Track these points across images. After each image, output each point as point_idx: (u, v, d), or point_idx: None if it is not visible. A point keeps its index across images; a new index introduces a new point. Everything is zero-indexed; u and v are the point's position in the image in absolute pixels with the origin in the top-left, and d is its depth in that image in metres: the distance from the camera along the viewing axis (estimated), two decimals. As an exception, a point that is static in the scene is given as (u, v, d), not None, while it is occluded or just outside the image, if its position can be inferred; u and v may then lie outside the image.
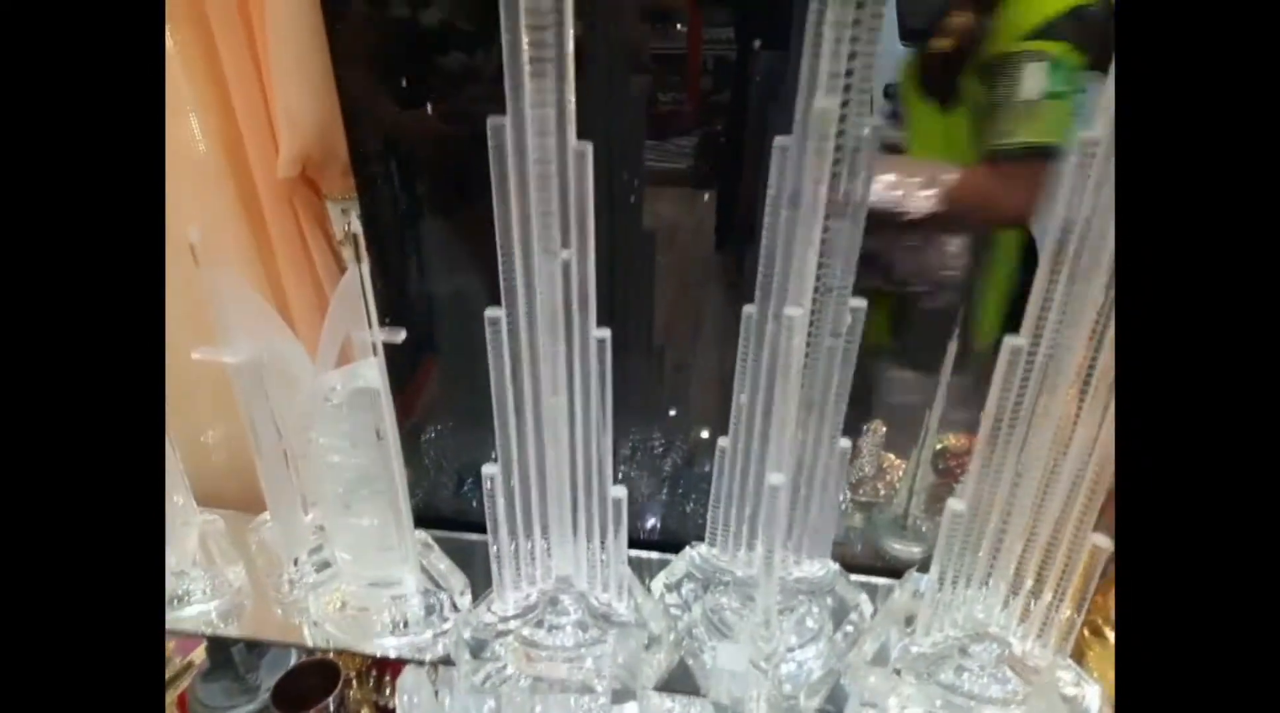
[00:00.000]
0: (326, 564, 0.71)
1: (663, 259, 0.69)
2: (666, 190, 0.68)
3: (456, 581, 0.66)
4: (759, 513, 0.56)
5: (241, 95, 0.67)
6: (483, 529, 0.74)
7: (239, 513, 0.74)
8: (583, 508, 0.56)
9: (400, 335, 0.59)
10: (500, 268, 0.50)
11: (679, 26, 0.65)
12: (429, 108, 0.64)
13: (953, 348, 0.69)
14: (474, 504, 0.77)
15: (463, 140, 0.66)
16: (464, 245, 0.69)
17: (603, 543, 0.57)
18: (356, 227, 0.56)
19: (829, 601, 0.63)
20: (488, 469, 0.55)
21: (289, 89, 0.63)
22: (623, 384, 0.52)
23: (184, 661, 0.87)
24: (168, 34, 0.64)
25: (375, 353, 0.59)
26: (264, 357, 0.61)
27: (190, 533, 0.70)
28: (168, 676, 0.87)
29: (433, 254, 0.71)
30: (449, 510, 0.81)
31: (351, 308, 0.58)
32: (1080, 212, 0.40)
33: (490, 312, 0.50)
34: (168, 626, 0.68)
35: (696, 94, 0.68)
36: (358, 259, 0.56)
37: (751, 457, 0.55)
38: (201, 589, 0.69)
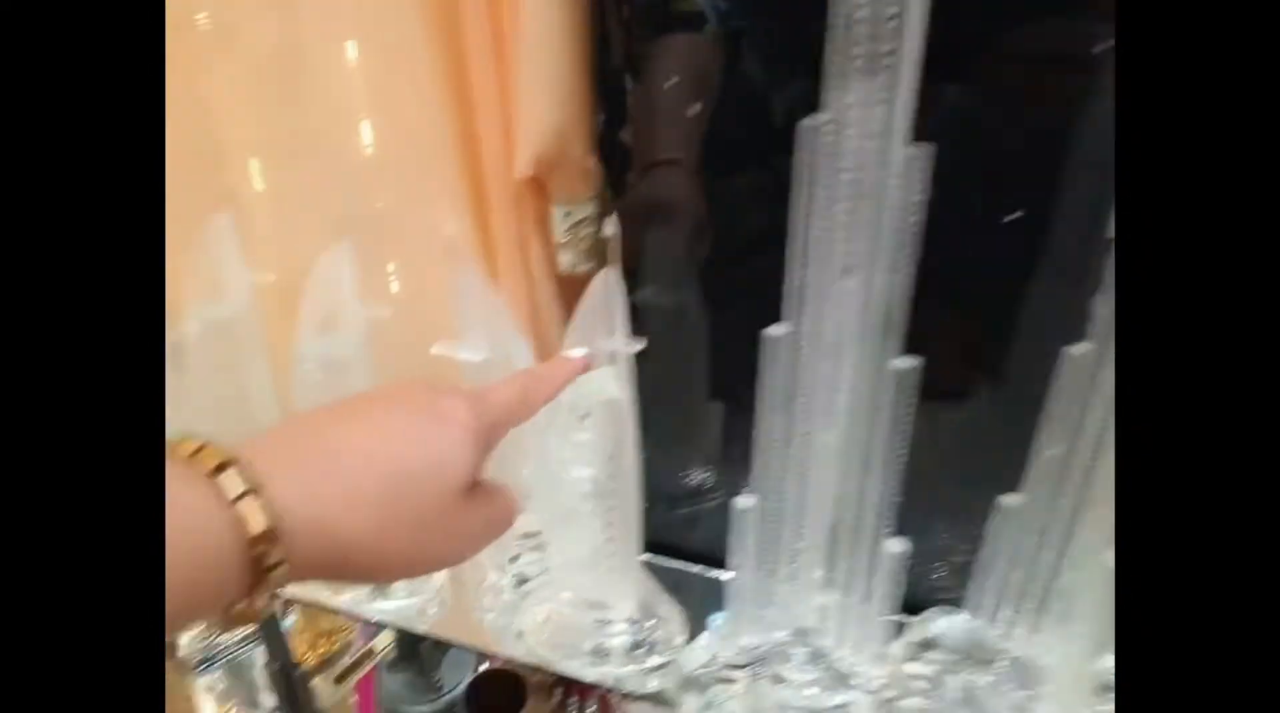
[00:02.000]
0: (525, 579, 0.69)
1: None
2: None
3: (674, 615, 0.61)
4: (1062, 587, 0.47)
5: (481, 89, 0.65)
6: (690, 558, 0.70)
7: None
8: (845, 556, 0.50)
9: (640, 345, 0.54)
10: (787, 283, 0.45)
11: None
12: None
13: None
14: (688, 532, 0.72)
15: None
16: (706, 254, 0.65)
17: (865, 598, 0.50)
18: (609, 229, 0.52)
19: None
20: (743, 501, 0.50)
21: (536, 93, 0.60)
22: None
23: (364, 647, 0.88)
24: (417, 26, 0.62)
25: (617, 362, 0.55)
26: (496, 358, 0.59)
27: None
28: (349, 661, 0.87)
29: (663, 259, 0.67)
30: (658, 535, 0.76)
31: (598, 315, 0.54)
32: None
33: (773, 330, 0.45)
34: (369, 615, 0.67)
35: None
36: (611, 263, 0.52)
37: (1058, 518, 0.47)
38: (402, 584, 0.68)
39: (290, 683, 0.62)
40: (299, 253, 0.66)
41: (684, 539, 0.71)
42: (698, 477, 0.75)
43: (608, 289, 0.52)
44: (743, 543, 0.51)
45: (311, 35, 0.64)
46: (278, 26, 0.64)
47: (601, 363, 0.54)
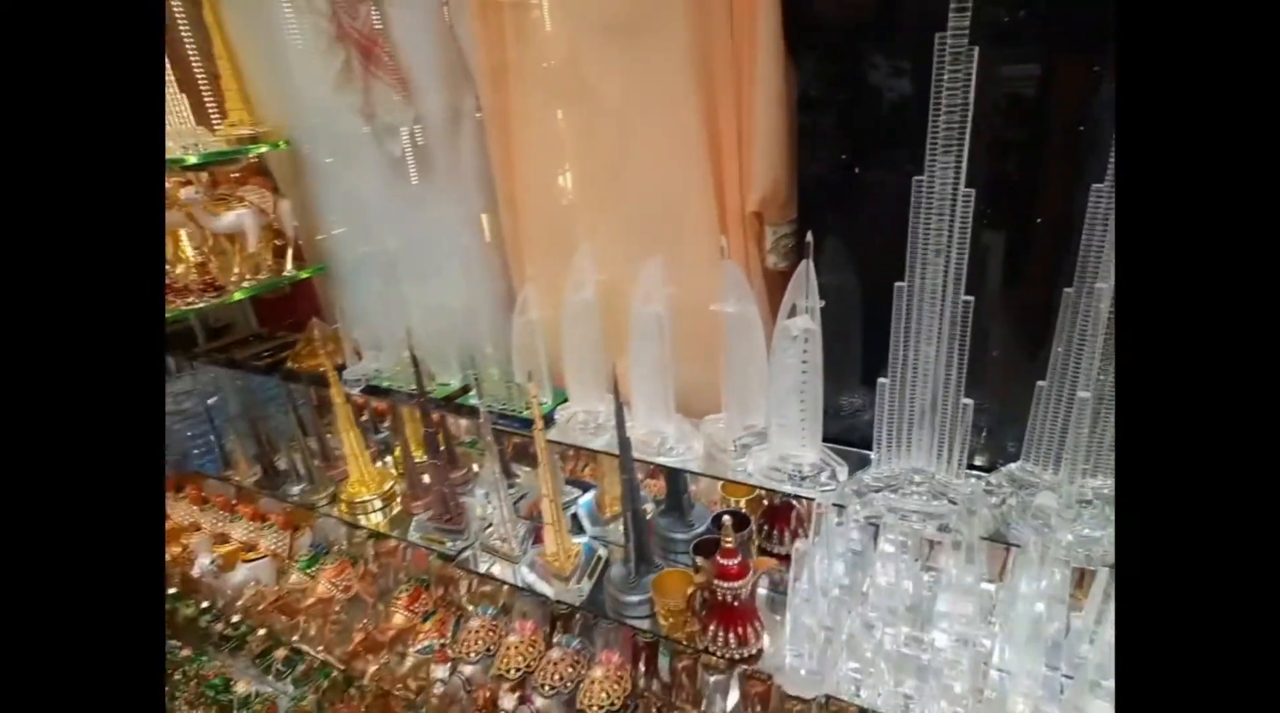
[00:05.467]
0: (747, 446, 1.15)
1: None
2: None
3: (839, 460, 1.06)
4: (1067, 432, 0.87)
5: (727, 149, 1.14)
6: (849, 444, 1.13)
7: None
8: (940, 417, 0.92)
9: (819, 305, 0.99)
10: (909, 252, 0.88)
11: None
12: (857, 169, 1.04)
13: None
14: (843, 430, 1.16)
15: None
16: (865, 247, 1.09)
17: (950, 445, 0.92)
18: (809, 238, 0.97)
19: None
20: (882, 381, 0.94)
21: (770, 152, 1.08)
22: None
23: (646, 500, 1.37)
24: (691, 103, 1.12)
25: (801, 312, 1.00)
26: (741, 312, 1.06)
27: (669, 423, 1.18)
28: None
29: (835, 256, 1.12)
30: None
31: (799, 287, 1.00)
32: None
33: (898, 285, 0.89)
34: (660, 461, 1.16)
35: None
36: (807, 257, 0.98)
37: (1064, 396, 0.86)
38: (677, 449, 1.17)
39: (638, 520, 1.12)
40: (619, 264, 1.19)
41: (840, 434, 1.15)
42: (850, 398, 1.19)
43: (808, 271, 0.97)
44: (882, 410, 0.94)
45: (632, 136, 1.16)
46: (616, 129, 1.16)
47: (803, 311, 1.00)
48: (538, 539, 1.31)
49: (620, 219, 1.23)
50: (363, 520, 1.48)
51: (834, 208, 1.12)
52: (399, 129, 1.40)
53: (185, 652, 1.66)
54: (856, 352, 1.14)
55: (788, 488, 1.05)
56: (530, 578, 1.24)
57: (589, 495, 1.43)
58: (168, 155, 1.47)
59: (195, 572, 1.43)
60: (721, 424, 1.18)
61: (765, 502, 1.24)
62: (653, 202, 1.19)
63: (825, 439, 1.08)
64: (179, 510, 1.62)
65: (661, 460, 1.15)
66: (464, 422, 1.65)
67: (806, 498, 1.04)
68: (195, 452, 1.80)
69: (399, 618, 1.35)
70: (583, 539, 1.30)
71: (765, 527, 1.22)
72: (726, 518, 0.96)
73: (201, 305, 1.54)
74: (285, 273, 1.64)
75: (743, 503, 1.26)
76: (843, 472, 1.04)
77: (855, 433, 1.15)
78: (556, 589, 1.20)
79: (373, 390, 1.53)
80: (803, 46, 1.05)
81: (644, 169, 1.17)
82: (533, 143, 1.27)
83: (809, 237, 0.97)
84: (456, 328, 1.44)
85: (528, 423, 1.29)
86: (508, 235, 1.38)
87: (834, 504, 1.01)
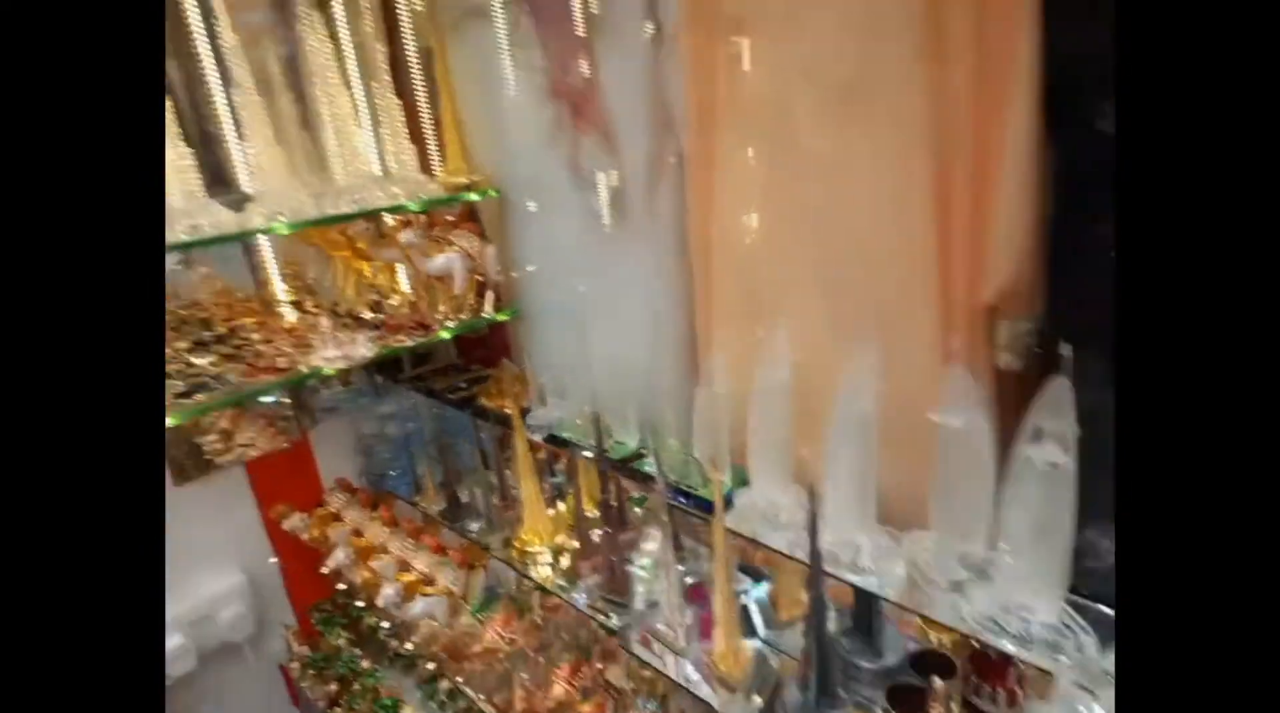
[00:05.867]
0: (959, 583, 0.96)
1: None
2: None
3: (1085, 626, 0.84)
4: None
5: (959, 228, 0.96)
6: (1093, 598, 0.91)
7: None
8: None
9: (1076, 434, 0.80)
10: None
11: None
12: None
13: None
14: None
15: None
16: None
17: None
18: (1065, 351, 0.78)
19: None
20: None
21: (1015, 237, 0.90)
22: None
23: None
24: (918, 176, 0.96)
25: (1048, 439, 0.81)
26: (966, 427, 0.89)
27: (865, 534, 1.03)
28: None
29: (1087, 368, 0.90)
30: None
31: (1048, 407, 0.81)
32: None
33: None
34: (851, 580, 1.01)
35: None
36: (1065, 373, 0.79)
37: None
38: (872, 568, 1.01)
39: (824, 647, 0.98)
40: (817, 342, 1.06)
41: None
42: (1096, 539, 0.96)
43: (1061, 389, 0.79)
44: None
45: (846, 203, 1.02)
46: (828, 193, 1.03)
47: (1053, 439, 0.81)
48: (704, 631, 1.21)
49: (824, 293, 1.09)
50: (532, 572, 1.47)
51: (1092, 311, 0.90)
52: (602, 180, 1.38)
53: (365, 662, 1.77)
54: (1107, 486, 0.91)
55: (1012, 648, 0.86)
56: (693, 676, 1.14)
57: (762, 589, 1.30)
58: (394, 202, 1.56)
59: (380, 601, 1.50)
60: (929, 545, 1.01)
61: (975, 644, 1.04)
62: (864, 279, 1.04)
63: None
64: (372, 530, 1.72)
65: (854, 579, 1.00)
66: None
67: (1039, 668, 0.84)
68: (392, 474, 1.92)
69: (558, 689, 1.32)
70: (754, 642, 1.18)
71: (973, 678, 1.02)
72: (939, 682, 0.79)
73: (410, 344, 1.62)
74: (484, 314, 1.69)
75: (946, 641, 1.07)
76: (1090, 643, 0.83)
77: (1101, 584, 0.92)
78: (722, 699, 1.09)
79: (552, 439, 1.52)
80: (1064, 114, 0.87)
81: (857, 241, 1.03)
82: (733, 194, 1.18)
83: (1065, 348, 0.78)
84: (638, 386, 1.39)
85: (703, 502, 1.20)
86: (699, 290, 1.29)
87: (1079, 685, 0.80)
